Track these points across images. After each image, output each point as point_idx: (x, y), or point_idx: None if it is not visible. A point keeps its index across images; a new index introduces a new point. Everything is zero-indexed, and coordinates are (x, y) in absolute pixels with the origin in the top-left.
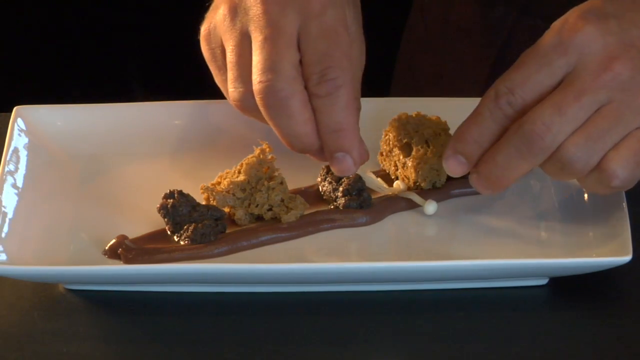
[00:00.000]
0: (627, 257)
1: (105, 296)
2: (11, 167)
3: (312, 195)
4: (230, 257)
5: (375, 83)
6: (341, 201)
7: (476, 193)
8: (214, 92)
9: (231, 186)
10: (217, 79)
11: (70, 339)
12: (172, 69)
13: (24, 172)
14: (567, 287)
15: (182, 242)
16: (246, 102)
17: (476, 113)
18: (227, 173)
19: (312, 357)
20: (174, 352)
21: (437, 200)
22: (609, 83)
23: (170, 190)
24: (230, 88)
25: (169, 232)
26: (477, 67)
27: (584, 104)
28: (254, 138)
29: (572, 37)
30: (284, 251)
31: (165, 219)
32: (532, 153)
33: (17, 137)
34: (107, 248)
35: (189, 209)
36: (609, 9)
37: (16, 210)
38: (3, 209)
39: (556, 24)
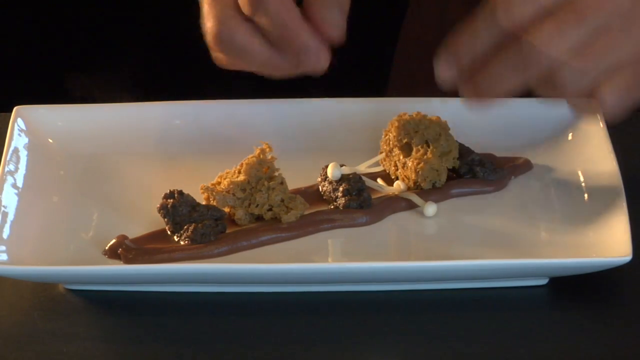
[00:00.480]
0: (627, 257)
1: (105, 296)
2: (11, 167)
3: (312, 195)
4: (230, 257)
5: (373, 83)
6: (341, 201)
7: (476, 193)
8: (214, 92)
9: (231, 186)
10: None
11: (70, 339)
12: (173, 69)
13: (24, 172)
14: (567, 287)
15: (182, 242)
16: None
17: (472, 24)
18: (227, 173)
19: (312, 357)
20: (174, 352)
21: (437, 201)
22: (610, 7)
23: (170, 190)
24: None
25: (169, 232)
26: None
27: (584, 26)
28: (254, 138)
29: None
30: (284, 251)
31: (165, 219)
32: (527, 69)
33: (17, 137)
34: (107, 248)
35: (189, 209)
36: None
37: (16, 210)
38: (3, 209)
39: None
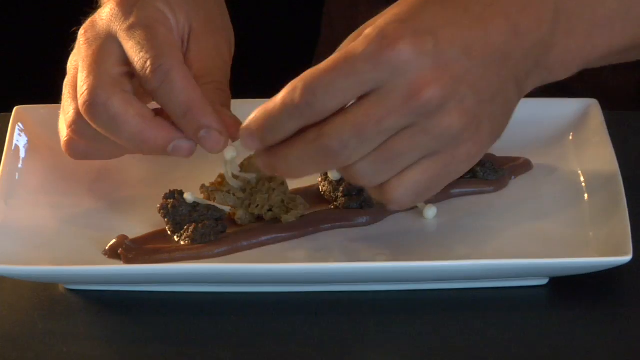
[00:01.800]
0: (627, 257)
1: (105, 296)
2: (11, 167)
3: (312, 195)
4: (230, 257)
5: None
6: (341, 201)
7: (476, 193)
8: None
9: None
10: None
11: (70, 339)
12: None
13: (23, 172)
14: (567, 287)
15: (182, 242)
16: (79, 123)
17: (276, 102)
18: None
19: (312, 357)
20: (174, 352)
21: (437, 201)
22: (414, 110)
23: (170, 190)
24: (64, 116)
25: (169, 232)
26: None
27: (384, 128)
28: None
29: (386, 54)
30: (284, 251)
31: (166, 219)
32: (324, 164)
33: (17, 137)
34: (107, 248)
35: (189, 209)
36: (428, 22)
37: (16, 210)
38: (2, 208)
39: (372, 32)
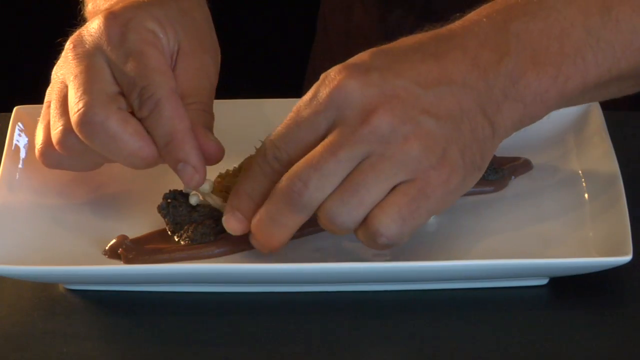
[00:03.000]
0: (627, 257)
1: (105, 296)
2: (11, 167)
3: None
4: (230, 257)
5: (289, 88)
6: None
7: (476, 193)
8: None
9: (230, 186)
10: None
11: (70, 339)
12: None
13: (24, 172)
14: (567, 287)
15: (182, 242)
16: (69, 139)
17: (250, 168)
18: (227, 173)
19: (312, 357)
20: (174, 352)
21: None
22: (367, 137)
23: (170, 190)
24: (52, 131)
25: (169, 232)
26: None
27: (341, 160)
28: (254, 138)
29: (330, 92)
30: (283, 251)
31: (166, 219)
32: (294, 209)
33: (17, 137)
34: (107, 248)
35: (189, 209)
36: (375, 63)
37: (16, 210)
38: (2, 208)
39: (320, 79)
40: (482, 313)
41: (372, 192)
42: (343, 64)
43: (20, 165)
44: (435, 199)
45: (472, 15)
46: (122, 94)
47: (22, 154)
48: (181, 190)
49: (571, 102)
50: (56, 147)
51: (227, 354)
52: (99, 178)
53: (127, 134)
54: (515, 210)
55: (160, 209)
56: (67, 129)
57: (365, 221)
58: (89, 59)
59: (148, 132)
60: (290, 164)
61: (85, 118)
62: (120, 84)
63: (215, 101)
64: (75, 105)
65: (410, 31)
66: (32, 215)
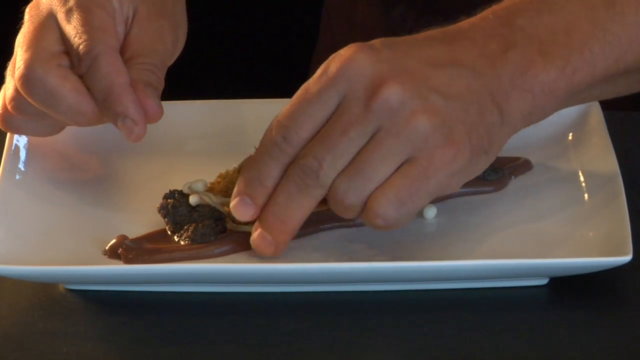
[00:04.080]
0: (627, 257)
1: (105, 296)
2: (11, 167)
3: None
4: (230, 257)
5: (292, 86)
6: None
7: (476, 193)
8: (214, 92)
9: (230, 186)
10: None
11: (70, 339)
12: (173, 68)
13: (24, 172)
14: (567, 287)
15: (182, 242)
16: (18, 99)
17: (258, 151)
18: (227, 173)
19: (312, 357)
20: (174, 352)
21: (437, 201)
22: (377, 111)
23: (170, 190)
24: (6, 93)
25: (169, 232)
26: None
27: (353, 137)
28: (254, 138)
29: (340, 66)
30: (284, 251)
31: (166, 219)
32: (309, 189)
33: (17, 137)
34: (107, 248)
35: (189, 209)
36: (384, 44)
37: (16, 210)
38: (3, 208)
39: (329, 59)
40: (482, 313)
41: (379, 171)
42: (353, 44)
43: (20, 165)
44: (437, 181)
45: (478, 14)
46: (68, 54)
47: (22, 154)
48: (181, 190)
49: (580, 96)
50: (9, 109)
51: (227, 354)
52: (99, 178)
53: (65, 89)
54: (515, 210)
55: (160, 209)
56: (16, 88)
57: (366, 203)
58: (38, 19)
59: (88, 89)
60: (300, 144)
61: (25, 74)
62: (64, 42)
63: (215, 101)
64: (18, 63)
65: (413, 27)
66: (32, 215)
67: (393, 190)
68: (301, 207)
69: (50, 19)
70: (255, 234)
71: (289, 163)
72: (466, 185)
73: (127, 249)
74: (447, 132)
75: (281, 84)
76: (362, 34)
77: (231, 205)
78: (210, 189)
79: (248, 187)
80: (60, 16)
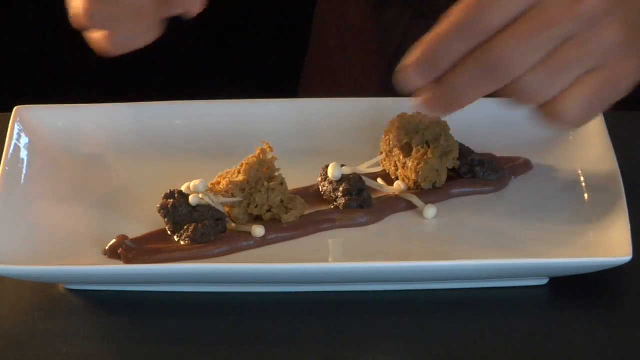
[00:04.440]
0: (627, 257)
1: (105, 296)
2: (11, 167)
3: (312, 195)
4: (230, 257)
5: (285, 88)
6: (341, 201)
7: (476, 193)
8: (214, 92)
9: (230, 186)
10: None
11: (70, 339)
12: (173, 69)
13: (24, 172)
14: (567, 287)
15: (182, 242)
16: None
17: (445, 23)
18: (227, 173)
19: (312, 357)
20: (174, 352)
21: (437, 201)
22: (578, 16)
23: (170, 190)
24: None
25: (169, 232)
26: (372, 70)
27: (550, 36)
28: (254, 138)
29: None
30: (284, 251)
31: (166, 219)
32: (492, 78)
33: (17, 137)
34: (107, 248)
35: (189, 209)
36: None
37: (16, 210)
38: (3, 209)
39: None
40: (482, 313)
41: (570, 75)
42: None
43: (20, 165)
44: (618, 91)
45: None
46: None
47: (22, 154)
48: (181, 190)
49: None
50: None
51: (227, 354)
52: (98, 178)
53: None
54: (515, 210)
55: (161, 209)
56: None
57: (553, 100)
58: None
59: None
60: (490, 32)
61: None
62: None
63: (215, 101)
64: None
65: (406, 29)
66: (32, 215)
67: (584, 94)
68: (475, 93)
69: None
70: (427, 102)
71: (472, 48)
72: (466, 185)
73: (127, 249)
74: (628, 49)
75: (275, 86)
76: (354, 36)
77: (400, 71)
78: (210, 189)
79: (426, 55)
80: None
